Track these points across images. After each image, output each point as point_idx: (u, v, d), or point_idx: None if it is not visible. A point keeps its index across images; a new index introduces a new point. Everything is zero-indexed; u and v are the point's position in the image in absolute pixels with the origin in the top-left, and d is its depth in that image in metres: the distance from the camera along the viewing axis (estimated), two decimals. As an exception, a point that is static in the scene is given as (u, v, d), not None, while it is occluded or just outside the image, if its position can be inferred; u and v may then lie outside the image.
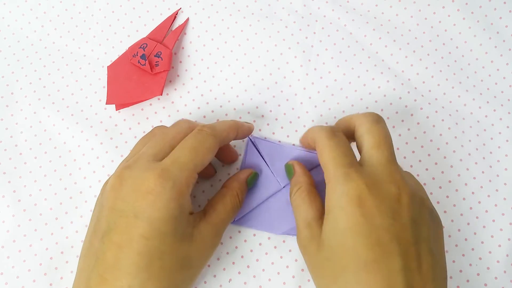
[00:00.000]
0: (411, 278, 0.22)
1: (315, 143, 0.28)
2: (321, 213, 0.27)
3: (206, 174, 0.33)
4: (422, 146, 0.34)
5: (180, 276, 0.26)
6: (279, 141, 0.34)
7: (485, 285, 0.31)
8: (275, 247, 0.32)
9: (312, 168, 0.32)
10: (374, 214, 0.23)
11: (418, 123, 0.35)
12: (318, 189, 0.29)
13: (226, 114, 0.35)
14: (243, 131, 0.31)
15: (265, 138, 0.34)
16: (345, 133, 0.28)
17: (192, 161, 0.26)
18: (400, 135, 0.34)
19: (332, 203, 0.25)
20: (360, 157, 0.27)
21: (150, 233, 0.24)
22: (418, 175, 0.33)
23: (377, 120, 0.27)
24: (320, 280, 0.26)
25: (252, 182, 0.31)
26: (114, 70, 0.36)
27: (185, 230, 0.26)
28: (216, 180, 0.34)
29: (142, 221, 0.24)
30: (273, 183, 0.32)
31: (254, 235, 0.32)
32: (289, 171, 0.31)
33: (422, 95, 0.35)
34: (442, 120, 0.35)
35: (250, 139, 0.33)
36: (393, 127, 0.35)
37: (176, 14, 0.38)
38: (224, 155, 0.33)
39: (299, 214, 0.28)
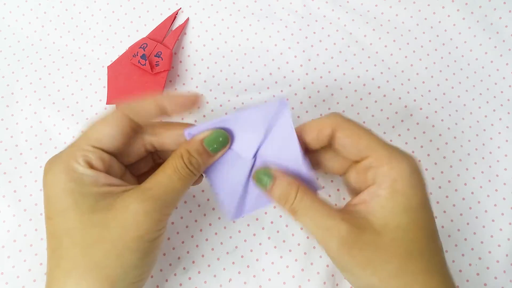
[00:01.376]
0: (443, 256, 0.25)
1: (338, 131, 0.25)
2: (336, 208, 0.24)
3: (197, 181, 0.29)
4: (421, 146, 0.34)
5: (98, 250, 0.23)
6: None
7: (485, 284, 0.31)
8: (275, 247, 0.32)
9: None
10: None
11: (417, 123, 0.35)
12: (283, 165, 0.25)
13: (226, 113, 0.35)
14: (169, 100, 0.25)
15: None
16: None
17: (82, 137, 0.25)
18: (399, 135, 0.34)
19: (400, 183, 0.23)
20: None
21: (51, 212, 0.24)
22: (417, 175, 0.34)
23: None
24: (384, 267, 0.23)
25: (213, 143, 0.25)
26: (114, 70, 0.36)
27: (96, 203, 0.23)
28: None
29: (45, 202, 0.25)
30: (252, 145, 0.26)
31: (254, 235, 0.33)
32: (264, 177, 0.25)
33: (422, 95, 0.35)
34: (442, 120, 0.35)
35: None
36: (393, 127, 0.35)
37: (176, 14, 0.38)
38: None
39: (317, 214, 0.24)
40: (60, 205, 0.24)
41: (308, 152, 0.27)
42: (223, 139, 0.26)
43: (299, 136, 0.25)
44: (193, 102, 0.26)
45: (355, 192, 0.28)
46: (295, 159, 0.26)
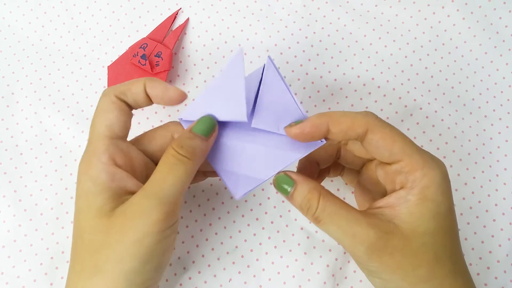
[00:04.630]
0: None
1: (371, 131, 0.24)
2: (361, 211, 0.24)
3: (196, 179, 0.30)
4: (422, 146, 0.34)
5: (101, 256, 0.23)
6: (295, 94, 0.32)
7: (485, 284, 0.31)
8: (275, 246, 0.32)
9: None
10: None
11: (417, 123, 0.35)
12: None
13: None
14: (153, 87, 0.25)
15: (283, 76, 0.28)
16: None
17: (93, 131, 0.25)
18: (400, 135, 0.34)
19: (432, 190, 0.23)
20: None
21: (75, 212, 0.25)
22: (418, 174, 0.34)
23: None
24: (413, 272, 0.23)
25: (201, 129, 0.25)
26: (115, 70, 0.36)
27: (104, 205, 0.23)
28: (216, 180, 0.34)
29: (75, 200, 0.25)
30: (239, 109, 0.25)
31: (254, 234, 0.33)
32: (284, 183, 0.25)
33: (422, 95, 0.35)
34: (442, 120, 0.35)
35: (269, 59, 0.26)
36: (393, 127, 0.35)
37: (176, 14, 0.38)
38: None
39: (343, 220, 0.23)
40: (78, 206, 0.24)
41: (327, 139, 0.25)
42: (211, 123, 0.25)
43: (323, 124, 0.24)
44: (180, 99, 0.25)
45: (367, 190, 0.28)
46: (291, 107, 0.25)
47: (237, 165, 0.26)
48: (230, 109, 0.25)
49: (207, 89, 0.26)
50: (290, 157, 0.25)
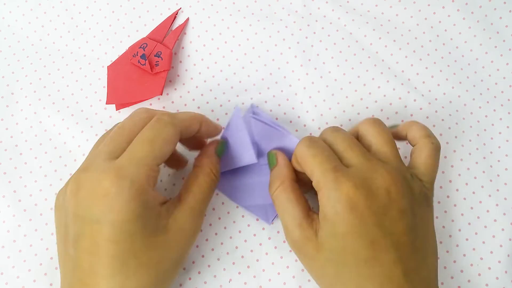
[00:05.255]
0: (406, 266, 0.24)
1: (296, 158, 0.28)
2: (307, 211, 0.27)
3: (177, 165, 0.33)
4: (422, 146, 0.34)
5: (161, 268, 0.25)
6: (276, 118, 0.35)
7: (486, 285, 0.31)
8: (275, 247, 0.32)
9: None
10: (366, 214, 0.24)
11: (418, 123, 0.35)
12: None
13: (226, 114, 0.35)
14: (207, 126, 0.29)
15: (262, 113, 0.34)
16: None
17: (149, 155, 0.25)
18: (400, 135, 0.34)
19: (327, 209, 0.25)
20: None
21: (117, 237, 0.23)
22: (418, 175, 0.33)
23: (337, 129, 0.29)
24: (322, 279, 0.27)
25: (221, 151, 0.30)
26: (114, 70, 0.36)
27: (157, 224, 0.25)
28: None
29: (105, 226, 0.23)
30: (248, 154, 0.31)
31: (255, 235, 0.32)
32: (271, 160, 0.30)
33: (422, 95, 0.35)
34: (442, 120, 0.35)
35: (252, 109, 0.34)
36: (393, 127, 0.35)
37: (176, 14, 0.38)
38: (192, 144, 0.32)
39: (286, 213, 0.27)
40: (128, 230, 0.24)
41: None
42: (226, 146, 0.31)
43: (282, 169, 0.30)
44: (219, 131, 0.31)
45: None
46: (286, 139, 0.33)
47: (262, 198, 0.32)
48: (243, 156, 0.31)
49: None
50: None
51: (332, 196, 0.25)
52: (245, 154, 0.31)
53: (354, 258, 0.25)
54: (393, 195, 0.25)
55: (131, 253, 0.24)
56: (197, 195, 0.27)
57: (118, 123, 0.28)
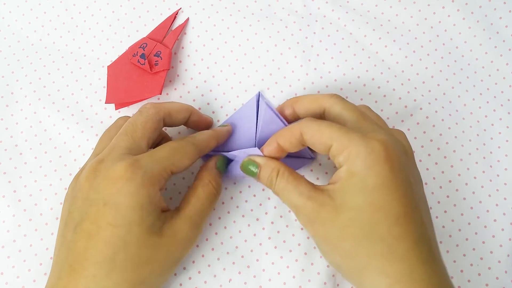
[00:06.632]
0: (430, 227, 0.25)
1: (304, 134, 0.27)
2: (311, 184, 0.26)
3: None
4: (422, 146, 0.34)
5: (146, 269, 0.26)
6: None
7: (486, 285, 0.31)
8: (275, 247, 0.32)
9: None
10: (399, 168, 0.24)
11: (418, 123, 0.35)
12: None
13: (226, 114, 0.35)
14: (222, 137, 0.31)
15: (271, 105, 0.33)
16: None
17: (168, 158, 0.27)
18: (400, 135, 0.34)
19: (356, 165, 0.24)
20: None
21: (117, 221, 0.24)
22: (418, 175, 0.33)
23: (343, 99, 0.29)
24: (343, 244, 0.25)
25: (222, 166, 0.31)
26: (114, 70, 0.36)
27: (154, 223, 0.26)
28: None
29: (110, 208, 0.25)
30: (250, 138, 0.31)
31: (255, 235, 0.32)
32: (250, 167, 0.28)
33: (422, 95, 0.35)
34: (442, 120, 0.35)
35: (259, 96, 0.33)
36: (393, 127, 0.34)
37: (176, 14, 0.38)
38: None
39: (292, 193, 0.26)
40: (128, 216, 0.25)
41: None
42: (225, 162, 0.31)
43: (272, 147, 0.29)
44: (230, 132, 0.32)
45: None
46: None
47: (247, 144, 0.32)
48: (244, 141, 0.31)
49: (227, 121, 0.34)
50: None
51: (363, 151, 0.24)
52: (248, 140, 0.31)
53: (384, 214, 0.23)
54: (410, 154, 0.27)
55: (123, 243, 0.25)
56: (195, 206, 0.28)
57: (119, 119, 0.31)
